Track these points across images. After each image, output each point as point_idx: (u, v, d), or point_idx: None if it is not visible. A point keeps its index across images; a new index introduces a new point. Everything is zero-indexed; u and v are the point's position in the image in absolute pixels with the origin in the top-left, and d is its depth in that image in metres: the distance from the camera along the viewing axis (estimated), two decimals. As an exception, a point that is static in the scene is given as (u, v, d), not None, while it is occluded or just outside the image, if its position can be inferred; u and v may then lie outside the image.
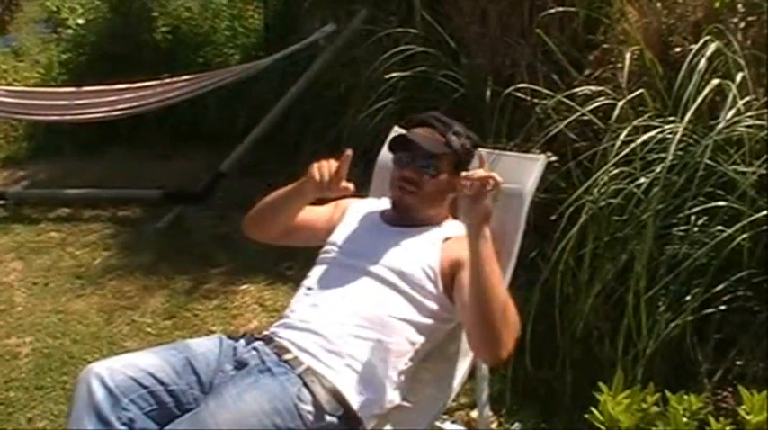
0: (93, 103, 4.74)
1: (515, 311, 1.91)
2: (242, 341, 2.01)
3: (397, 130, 2.44)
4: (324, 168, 2.06)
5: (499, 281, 1.89)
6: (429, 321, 2.04)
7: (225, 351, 1.97)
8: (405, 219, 2.19)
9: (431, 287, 2.04)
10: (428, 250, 2.09)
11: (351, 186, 2.06)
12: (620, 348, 2.39)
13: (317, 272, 2.16)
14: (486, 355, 2.01)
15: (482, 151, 2.02)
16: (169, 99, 4.70)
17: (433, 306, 2.04)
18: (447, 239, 2.13)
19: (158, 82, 4.77)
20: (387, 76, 3.85)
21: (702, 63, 2.64)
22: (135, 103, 4.67)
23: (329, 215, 2.30)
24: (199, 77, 4.78)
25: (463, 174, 1.87)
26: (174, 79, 4.78)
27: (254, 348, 1.95)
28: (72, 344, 3.31)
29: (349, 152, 2.04)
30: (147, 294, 3.70)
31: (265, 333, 2.05)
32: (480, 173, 1.85)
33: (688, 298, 2.42)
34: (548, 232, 2.71)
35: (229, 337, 2.04)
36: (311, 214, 2.29)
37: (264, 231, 2.30)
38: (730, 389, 2.35)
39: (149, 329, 3.40)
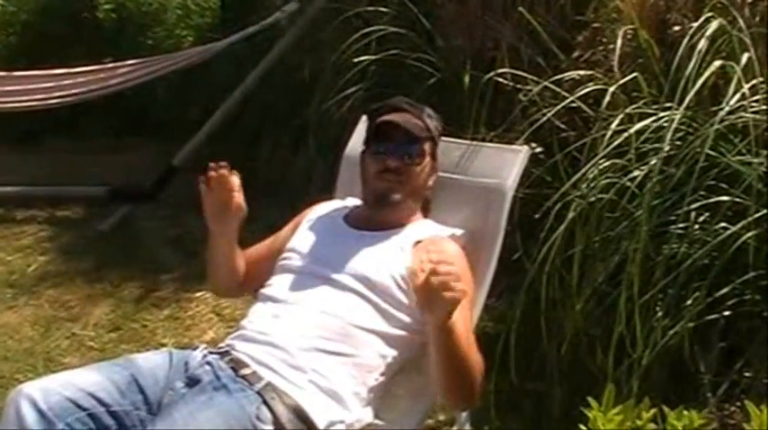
0: (26, 90, 4.69)
1: (478, 353, 1.95)
2: (195, 355, 1.99)
3: (365, 121, 2.43)
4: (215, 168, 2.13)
5: (466, 351, 1.89)
6: (400, 332, 2.04)
7: (175, 366, 1.96)
8: (375, 220, 2.19)
9: (401, 296, 2.03)
10: (397, 256, 2.09)
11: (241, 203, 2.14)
12: (612, 358, 2.40)
13: (277, 280, 2.16)
14: (455, 403, 2.08)
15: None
16: (114, 86, 4.67)
17: (404, 317, 2.04)
18: (417, 243, 2.13)
19: (101, 66, 4.74)
20: (356, 60, 3.84)
21: (703, 43, 2.64)
22: (75, 91, 4.63)
23: (286, 236, 2.30)
24: (147, 62, 4.75)
25: (424, 260, 1.77)
26: (119, 64, 4.74)
27: (209, 363, 1.94)
28: (2, 361, 3.26)
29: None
30: (90, 304, 3.66)
31: (221, 346, 2.04)
32: (434, 257, 1.77)
33: (688, 302, 2.42)
34: (533, 231, 2.71)
35: (181, 351, 2.02)
36: (267, 247, 2.34)
37: (231, 289, 2.40)
38: (738, 404, 2.36)
39: (92, 343, 3.37)
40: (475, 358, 1.92)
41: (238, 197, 2.14)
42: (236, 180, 2.15)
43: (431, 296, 1.74)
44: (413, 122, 2.22)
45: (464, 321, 1.97)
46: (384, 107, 2.29)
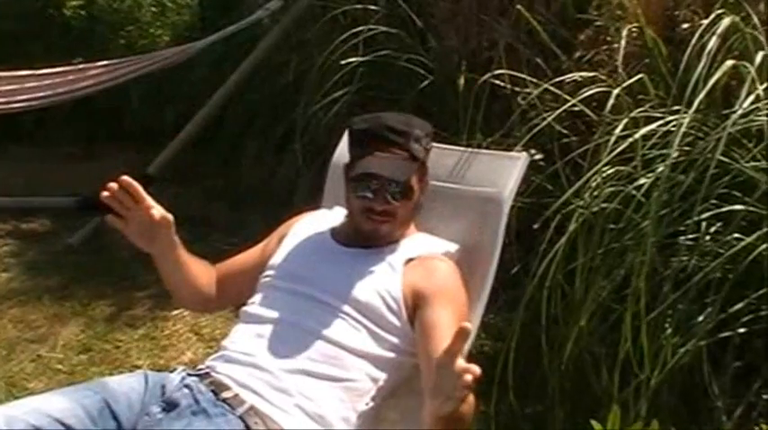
0: (-13, 93, 4.67)
1: None
2: (172, 377, 1.99)
3: (349, 138, 2.41)
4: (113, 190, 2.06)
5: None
6: (391, 355, 2.04)
7: (151, 390, 1.95)
8: (364, 240, 2.19)
9: (392, 318, 2.04)
10: (388, 275, 2.09)
11: (156, 211, 2.06)
12: (617, 379, 2.40)
13: (260, 298, 2.15)
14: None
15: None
16: (83, 88, 4.65)
17: (395, 339, 2.04)
18: (409, 261, 2.13)
19: (70, 68, 4.71)
20: (343, 62, 3.85)
21: (714, 41, 2.65)
22: (41, 94, 4.60)
23: (268, 249, 2.29)
24: (120, 63, 4.73)
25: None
26: (90, 65, 4.72)
27: (187, 385, 1.94)
28: (-39, 387, 3.24)
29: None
30: (58, 324, 3.65)
31: (200, 367, 2.04)
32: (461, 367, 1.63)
33: (699, 319, 2.43)
34: (532, 243, 2.72)
35: (157, 373, 2.02)
36: (247, 259, 2.32)
37: (201, 303, 2.35)
38: (755, 429, 2.37)
39: (59, 366, 3.35)
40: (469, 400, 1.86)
41: (152, 207, 2.07)
42: (139, 191, 2.07)
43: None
44: (397, 164, 2.17)
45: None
46: (367, 134, 2.21)
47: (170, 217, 2.09)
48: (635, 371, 2.39)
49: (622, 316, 2.44)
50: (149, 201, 2.07)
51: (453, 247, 2.22)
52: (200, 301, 2.32)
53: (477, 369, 1.60)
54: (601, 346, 2.58)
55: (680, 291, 2.43)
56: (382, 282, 2.08)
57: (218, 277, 2.28)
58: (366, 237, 2.18)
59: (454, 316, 2.02)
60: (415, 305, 2.05)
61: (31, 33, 5.66)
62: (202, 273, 2.26)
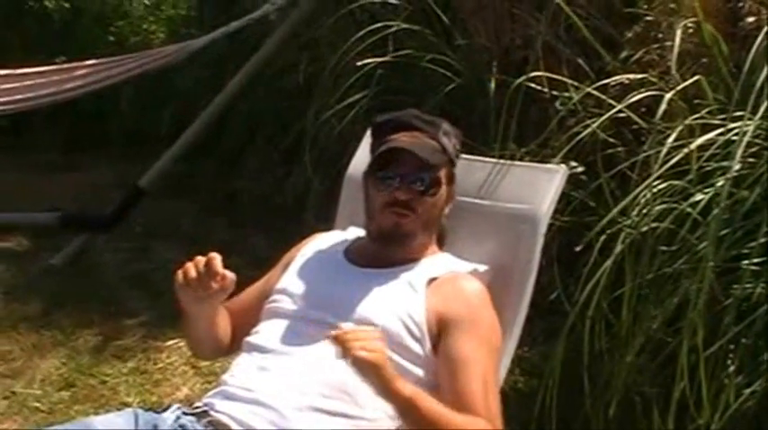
0: (-44, 96, 4.70)
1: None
2: (166, 416, 1.99)
3: (371, 136, 2.43)
4: (189, 269, 2.00)
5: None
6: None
7: (142, 430, 1.96)
8: (382, 256, 2.19)
9: (414, 345, 2.04)
10: (409, 297, 2.09)
11: (229, 275, 2.00)
12: (672, 423, 2.39)
13: (265, 326, 2.16)
14: None
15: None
16: (68, 91, 4.68)
17: (417, 369, 2.03)
18: (432, 281, 2.13)
19: (53, 68, 4.75)
20: (360, 63, 3.86)
21: (785, 37, 2.65)
22: (18, 97, 4.63)
23: (277, 277, 2.30)
24: (109, 62, 4.77)
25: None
26: (74, 64, 4.76)
27: (182, 426, 1.95)
28: (-74, 428, 3.25)
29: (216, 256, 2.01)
30: (36, 355, 3.67)
31: (197, 405, 2.04)
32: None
33: (767, 356, 2.42)
34: (573, 267, 2.72)
35: (149, 411, 2.02)
36: (257, 293, 2.32)
37: (218, 353, 2.36)
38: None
39: (38, 404, 3.36)
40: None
41: (226, 277, 2.01)
42: (218, 262, 2.01)
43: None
44: (427, 146, 2.21)
45: (480, 377, 1.98)
46: (391, 123, 2.28)
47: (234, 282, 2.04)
48: (692, 415, 2.38)
49: (676, 351, 2.43)
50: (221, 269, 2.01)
51: (482, 268, 2.22)
52: (220, 352, 2.33)
53: None
54: (652, 385, 2.58)
55: (744, 322, 2.42)
56: (403, 304, 2.07)
57: (231, 320, 2.28)
58: (390, 237, 2.19)
59: (483, 347, 2.02)
60: (440, 331, 2.04)
61: (7, 27, 5.69)
62: (225, 322, 2.26)
